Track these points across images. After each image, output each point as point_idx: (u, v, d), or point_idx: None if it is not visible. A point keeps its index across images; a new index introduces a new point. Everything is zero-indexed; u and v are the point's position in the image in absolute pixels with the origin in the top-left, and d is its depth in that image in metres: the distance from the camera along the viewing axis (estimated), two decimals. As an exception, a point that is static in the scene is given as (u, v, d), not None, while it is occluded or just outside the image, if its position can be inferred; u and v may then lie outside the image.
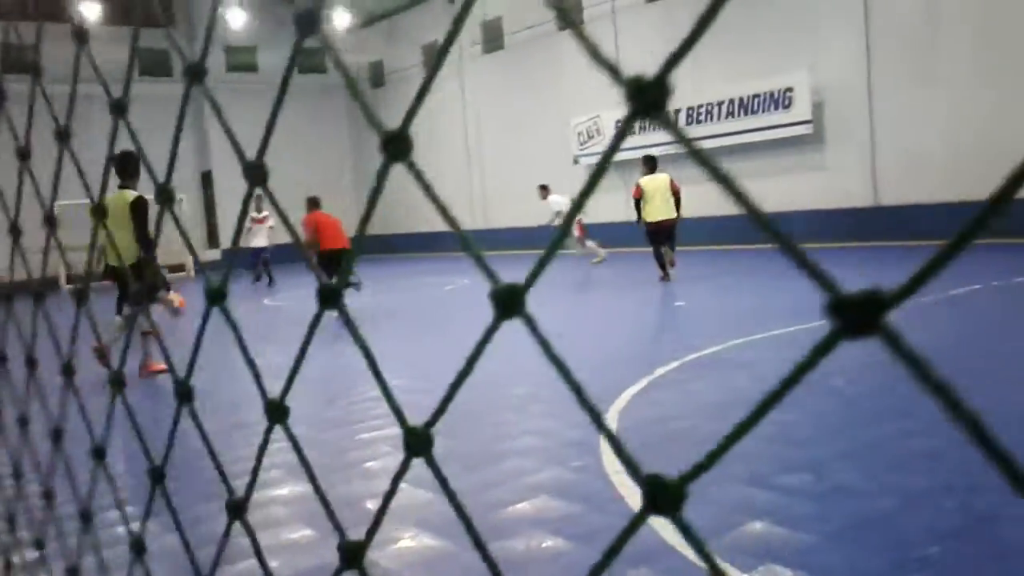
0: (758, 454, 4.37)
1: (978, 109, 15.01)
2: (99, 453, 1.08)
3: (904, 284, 0.28)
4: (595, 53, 0.34)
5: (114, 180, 7.95)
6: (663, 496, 0.35)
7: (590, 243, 16.31)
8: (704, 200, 19.47)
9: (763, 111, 18.33)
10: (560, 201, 16.55)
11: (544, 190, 17.08)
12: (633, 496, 3.91)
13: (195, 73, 0.59)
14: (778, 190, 18.25)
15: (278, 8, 26.98)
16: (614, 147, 0.35)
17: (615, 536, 0.41)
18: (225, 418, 6.20)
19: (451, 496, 0.47)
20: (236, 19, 25.52)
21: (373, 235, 29.27)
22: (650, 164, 12.95)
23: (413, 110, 0.42)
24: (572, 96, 21.98)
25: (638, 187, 12.88)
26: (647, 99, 0.31)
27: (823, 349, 0.31)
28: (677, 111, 20.07)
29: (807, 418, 5.04)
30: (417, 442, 0.47)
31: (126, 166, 7.98)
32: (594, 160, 21.80)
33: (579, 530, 3.65)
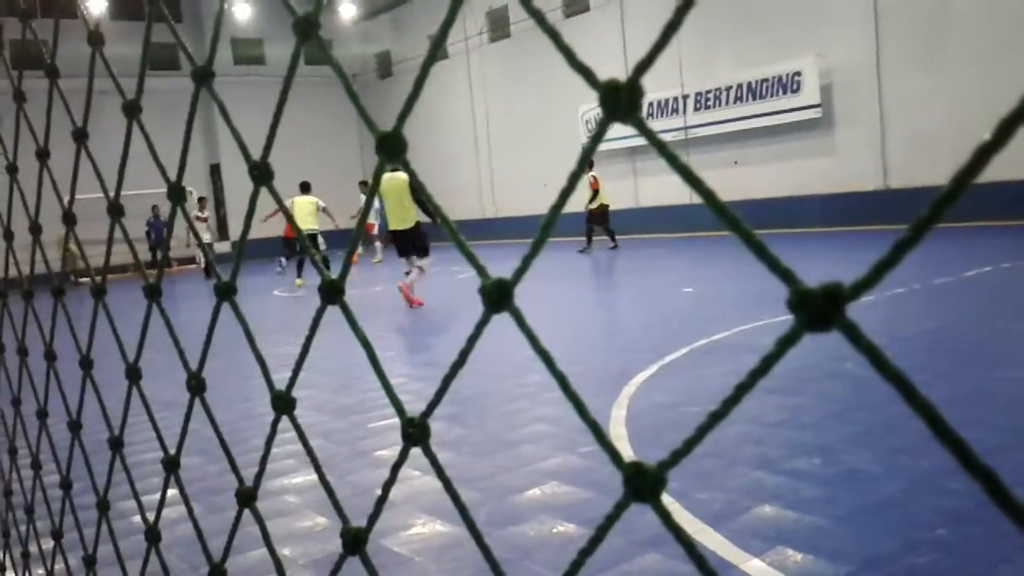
0: (768, 438, 4.39)
1: (987, 90, 14.90)
2: (117, 443, 1.10)
3: (864, 276, 0.29)
4: (570, 56, 0.35)
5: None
6: (642, 484, 0.37)
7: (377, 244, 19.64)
8: (713, 185, 19.43)
9: (772, 96, 18.25)
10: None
11: (365, 185, 19.89)
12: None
13: (202, 76, 0.61)
14: (788, 174, 18.21)
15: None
16: (591, 149, 0.36)
17: (614, 523, 0.42)
18: (237, 409, 6.25)
19: (446, 483, 0.48)
20: (243, 12, 25.53)
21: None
22: (591, 163, 17.36)
23: (406, 111, 0.43)
24: (580, 83, 21.68)
25: (597, 180, 17.40)
26: (620, 102, 0.32)
27: (787, 342, 0.32)
28: (686, 97, 19.99)
29: (816, 402, 5.05)
30: (415, 432, 0.48)
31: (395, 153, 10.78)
32: (604, 146, 21.73)
33: (590, 516, 3.67)
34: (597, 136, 0.36)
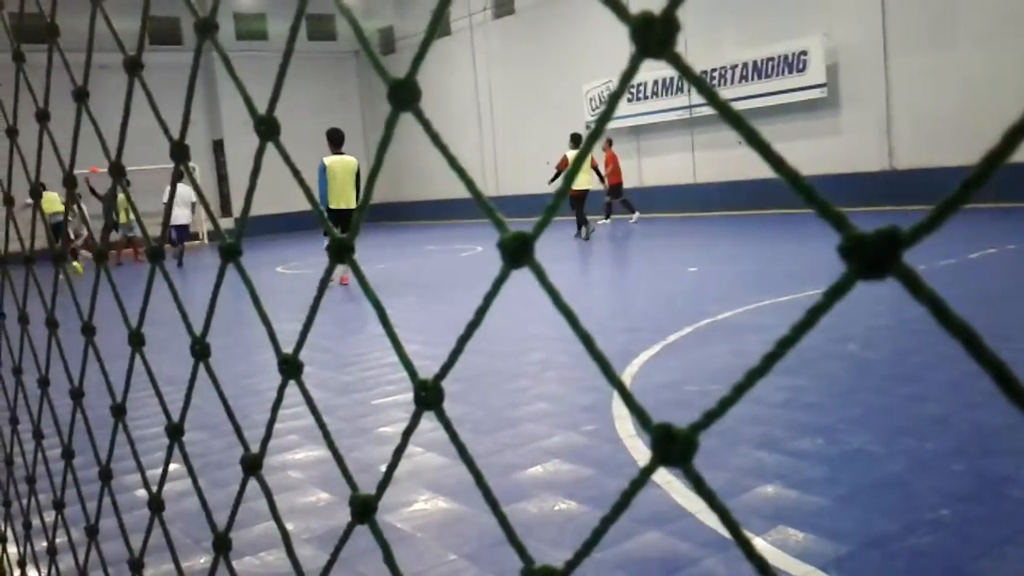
0: (770, 418, 4.38)
1: (994, 71, 14.79)
2: (119, 411, 1.09)
3: (925, 218, 0.27)
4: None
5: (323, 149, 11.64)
6: (673, 446, 0.35)
7: None
8: (717, 166, 19.39)
9: (777, 75, 18.13)
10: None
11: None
12: (644, 459, 3.92)
13: (205, 28, 0.58)
14: (792, 154, 18.05)
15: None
16: (622, 89, 0.34)
17: (616, 498, 0.41)
18: (241, 384, 6.25)
19: (461, 449, 0.47)
20: (245, -15, 25.34)
21: (386, 203, 29.24)
22: (576, 140, 16.36)
23: (420, 56, 0.41)
24: (584, 61, 21.78)
25: (564, 159, 16.10)
26: (654, 36, 0.30)
27: (838, 291, 0.30)
28: (690, 75, 19.84)
29: (819, 383, 5.04)
30: (427, 396, 0.47)
31: (342, 139, 11.59)
32: (607, 126, 21.60)
33: (591, 493, 3.67)
34: (627, 75, 0.34)
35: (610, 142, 18.08)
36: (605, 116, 0.36)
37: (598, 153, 17.62)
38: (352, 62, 30.53)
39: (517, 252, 0.38)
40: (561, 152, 17.10)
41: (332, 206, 11.40)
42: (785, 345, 0.32)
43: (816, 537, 3.06)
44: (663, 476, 3.65)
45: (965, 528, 3.05)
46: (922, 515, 3.16)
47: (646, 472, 0.37)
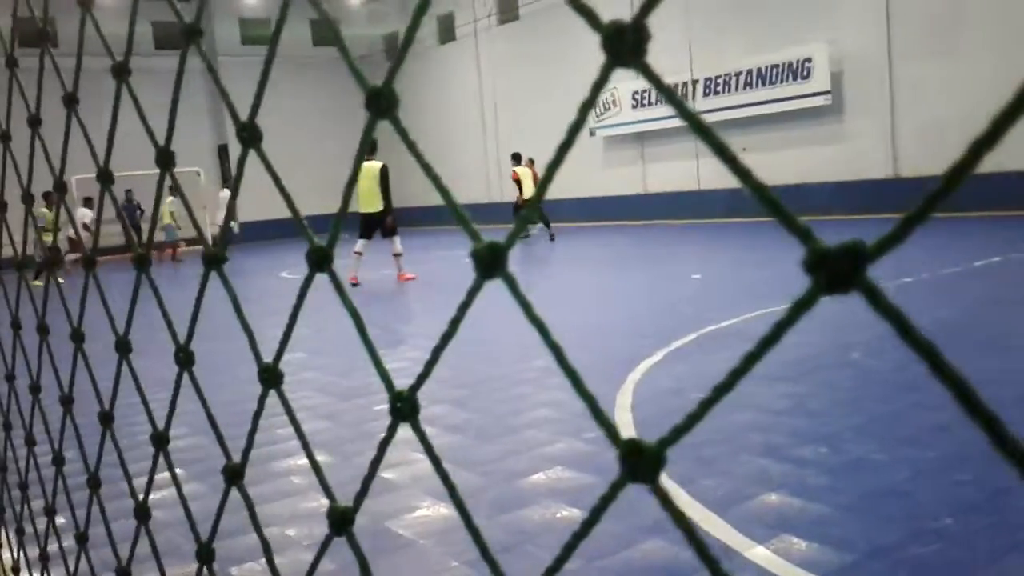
0: (774, 426, 4.37)
1: (999, 80, 14.74)
2: (107, 418, 1.08)
3: (888, 233, 0.27)
4: (571, -2, 0.32)
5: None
6: (641, 461, 0.34)
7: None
8: (721, 172, 19.35)
9: (782, 82, 18.10)
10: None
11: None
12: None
13: (190, 33, 0.58)
14: (796, 161, 18.11)
15: (293, -20, 26.75)
16: (592, 99, 0.34)
17: (619, 505, 0.40)
18: (243, 389, 6.25)
19: (435, 461, 0.46)
20: (251, -9, 25.42)
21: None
22: (516, 159, 17.95)
23: (396, 65, 0.41)
24: (588, 67, 21.75)
25: (515, 172, 17.85)
26: (625, 45, 0.30)
27: (802, 306, 0.29)
28: (696, 82, 19.86)
29: (822, 391, 5.02)
30: (403, 407, 0.46)
31: (373, 147, 11.80)
32: (611, 132, 21.65)
33: (593, 501, 3.62)
34: (599, 84, 0.34)
35: (532, 161, 18.58)
36: (576, 125, 0.36)
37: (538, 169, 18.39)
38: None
39: (490, 263, 0.37)
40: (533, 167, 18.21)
41: (358, 210, 12.08)
42: (751, 360, 0.31)
43: (819, 546, 3.04)
44: (665, 484, 3.63)
45: (969, 538, 3.03)
46: (925, 524, 3.15)
47: (615, 487, 0.36)
